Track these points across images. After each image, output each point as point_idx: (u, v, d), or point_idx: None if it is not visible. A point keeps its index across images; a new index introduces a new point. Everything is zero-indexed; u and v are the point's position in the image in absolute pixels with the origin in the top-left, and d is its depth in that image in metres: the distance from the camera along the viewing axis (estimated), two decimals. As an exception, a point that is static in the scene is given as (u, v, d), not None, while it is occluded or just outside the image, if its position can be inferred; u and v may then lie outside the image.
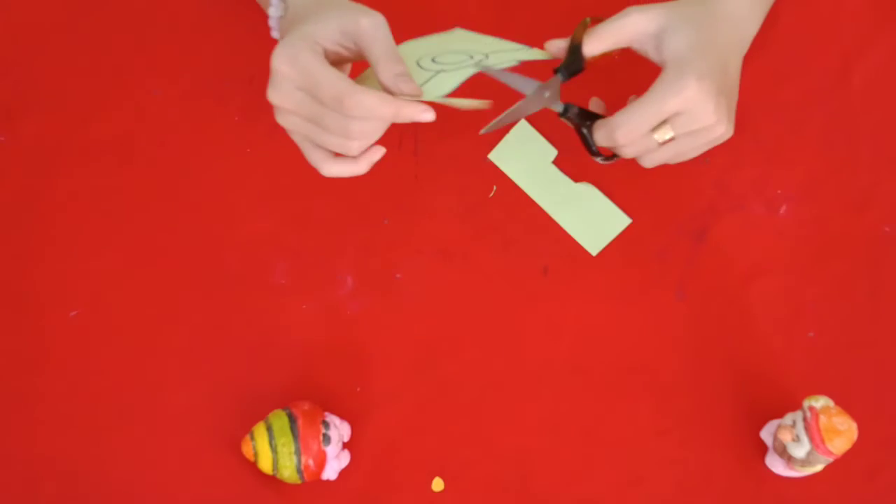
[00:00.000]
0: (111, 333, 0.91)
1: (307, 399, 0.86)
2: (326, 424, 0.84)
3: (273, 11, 0.81)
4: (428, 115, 0.75)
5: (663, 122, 0.77)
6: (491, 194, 0.93)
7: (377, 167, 0.89)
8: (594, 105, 0.84)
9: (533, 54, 0.81)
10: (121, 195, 0.93)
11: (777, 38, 0.94)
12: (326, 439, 0.84)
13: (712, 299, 0.90)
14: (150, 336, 0.91)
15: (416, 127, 0.92)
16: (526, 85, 0.81)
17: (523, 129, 0.93)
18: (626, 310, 0.90)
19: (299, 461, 0.83)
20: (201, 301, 0.91)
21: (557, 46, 0.82)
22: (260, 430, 0.84)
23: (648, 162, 0.81)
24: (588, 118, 0.81)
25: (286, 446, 0.83)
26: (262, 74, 0.94)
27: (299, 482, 0.85)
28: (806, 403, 0.80)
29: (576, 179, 0.92)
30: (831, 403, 0.80)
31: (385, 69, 0.76)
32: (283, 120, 0.77)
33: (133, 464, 0.88)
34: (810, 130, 0.91)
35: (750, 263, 0.90)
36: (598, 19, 0.81)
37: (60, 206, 0.93)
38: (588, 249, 0.91)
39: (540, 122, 0.93)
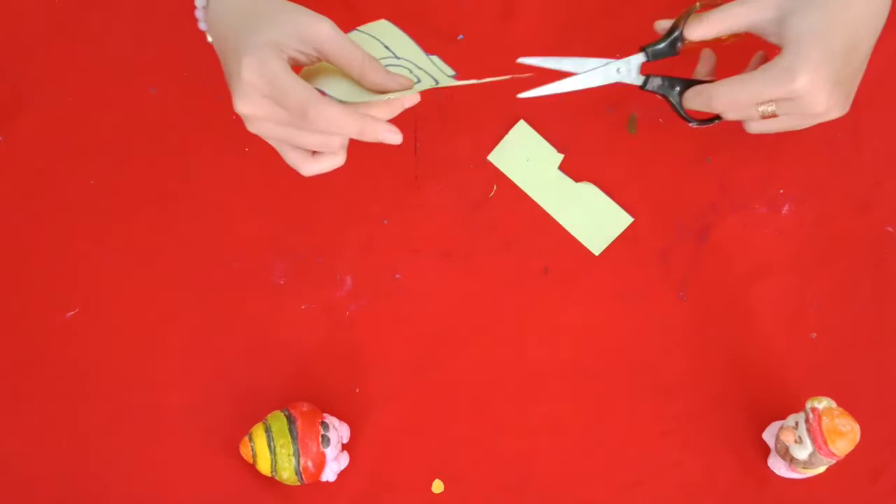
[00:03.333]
0: (108, 333, 0.90)
1: (306, 400, 0.86)
2: (325, 426, 0.84)
3: (199, 2, 0.80)
4: (396, 137, 0.74)
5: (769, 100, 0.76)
6: (491, 194, 0.92)
7: (377, 166, 0.89)
8: (706, 58, 0.82)
9: (444, 80, 0.79)
10: (118, 194, 0.93)
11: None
12: (325, 441, 0.83)
13: (714, 299, 0.89)
14: (148, 336, 0.90)
15: (415, 126, 0.92)
16: (590, 63, 0.80)
17: (522, 131, 0.93)
18: (627, 310, 0.90)
19: (298, 463, 0.83)
20: (199, 301, 0.91)
21: (664, 27, 0.81)
22: (258, 432, 0.84)
23: (752, 129, 0.80)
24: (674, 85, 0.80)
25: (285, 448, 0.83)
26: (260, 73, 0.94)
27: (298, 484, 0.84)
28: (808, 405, 0.80)
29: (576, 179, 0.92)
30: (834, 405, 0.80)
31: (372, 72, 0.75)
32: (256, 128, 0.77)
33: (130, 465, 0.88)
34: (813, 130, 0.90)
35: (752, 263, 0.90)
36: (708, 4, 0.79)
37: (57, 205, 0.93)
38: (590, 249, 0.91)
39: (539, 121, 0.93)
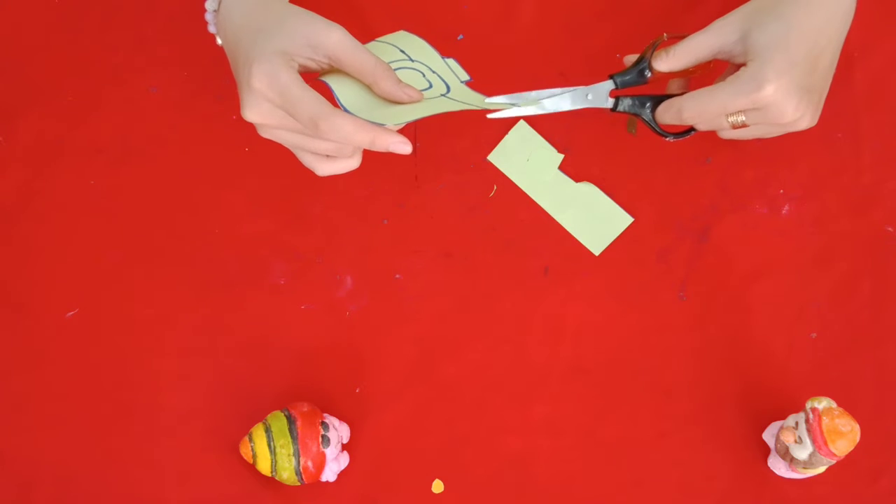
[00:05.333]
0: (108, 334, 0.90)
1: (306, 400, 0.86)
2: (325, 426, 0.84)
3: (209, 5, 0.80)
4: (406, 148, 0.74)
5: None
6: (491, 194, 0.92)
7: (377, 167, 0.89)
8: (674, 85, 0.83)
9: (470, 98, 0.79)
10: (118, 194, 0.93)
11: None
12: (325, 441, 0.83)
13: (714, 299, 0.89)
14: (148, 336, 0.90)
15: (415, 127, 0.92)
16: (559, 93, 0.81)
17: (522, 131, 0.93)
18: (627, 310, 0.90)
19: (298, 463, 0.83)
20: (199, 301, 0.91)
21: (630, 61, 0.82)
22: (258, 432, 0.84)
23: (724, 136, 0.80)
24: (644, 103, 0.81)
25: (285, 448, 0.83)
26: (260, 73, 0.94)
27: (298, 484, 0.84)
28: (808, 405, 0.80)
29: (576, 179, 0.92)
30: (834, 405, 0.79)
31: (384, 80, 0.76)
32: (268, 135, 0.77)
33: (130, 465, 0.88)
34: (813, 130, 0.91)
35: (752, 263, 0.90)
36: (675, 36, 0.80)
37: (58, 205, 0.93)
38: (591, 249, 0.91)
39: (539, 122, 0.93)
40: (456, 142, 0.93)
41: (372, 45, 0.80)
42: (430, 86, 0.79)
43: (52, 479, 0.88)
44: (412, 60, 0.79)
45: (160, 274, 0.91)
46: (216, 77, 0.95)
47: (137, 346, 0.90)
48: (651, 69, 0.80)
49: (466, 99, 0.78)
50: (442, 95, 0.78)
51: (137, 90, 0.95)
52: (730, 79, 0.76)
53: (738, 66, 0.78)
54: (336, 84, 0.76)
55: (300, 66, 0.75)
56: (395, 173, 0.92)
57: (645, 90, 0.82)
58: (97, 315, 0.91)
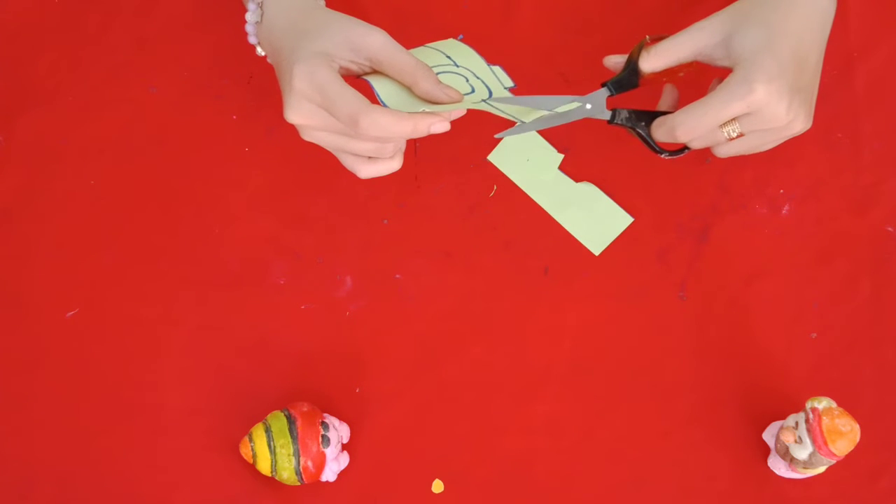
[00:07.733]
0: (108, 333, 0.90)
1: (306, 400, 0.86)
2: (325, 426, 0.84)
3: (250, 17, 0.81)
4: (444, 126, 0.75)
5: (732, 120, 0.76)
6: (491, 194, 0.92)
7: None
8: (668, 92, 0.83)
9: (508, 109, 0.80)
10: (119, 194, 0.93)
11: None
12: (325, 441, 0.83)
13: (714, 299, 0.89)
14: (148, 336, 0.90)
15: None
16: (560, 101, 0.80)
17: (523, 130, 0.93)
18: (627, 310, 0.90)
19: (298, 463, 0.83)
20: (199, 301, 0.91)
21: (614, 62, 0.82)
22: (258, 432, 0.84)
23: (720, 153, 0.80)
24: (641, 118, 0.80)
25: (285, 448, 0.83)
26: (260, 73, 0.95)
27: (298, 484, 0.84)
28: (808, 405, 0.80)
29: (576, 179, 0.92)
30: (834, 405, 0.80)
31: (424, 80, 0.76)
32: (309, 137, 0.78)
33: (130, 465, 0.88)
34: (813, 130, 0.91)
35: (752, 263, 0.90)
36: (658, 37, 0.80)
37: (58, 205, 0.93)
38: (591, 249, 0.91)
39: (540, 121, 0.93)
40: (456, 142, 0.92)
41: (419, 49, 0.81)
42: (473, 90, 0.79)
43: (52, 479, 0.88)
44: (457, 66, 0.80)
45: (160, 274, 0.92)
46: (216, 77, 0.95)
47: (137, 346, 0.90)
48: (639, 72, 0.80)
49: (505, 109, 0.79)
50: (483, 101, 0.78)
51: (137, 90, 0.95)
52: (719, 87, 0.76)
53: (721, 72, 0.78)
54: (377, 83, 0.77)
55: (342, 68, 0.76)
56: (395, 173, 0.92)
57: (640, 103, 0.81)
58: (97, 315, 0.91)
